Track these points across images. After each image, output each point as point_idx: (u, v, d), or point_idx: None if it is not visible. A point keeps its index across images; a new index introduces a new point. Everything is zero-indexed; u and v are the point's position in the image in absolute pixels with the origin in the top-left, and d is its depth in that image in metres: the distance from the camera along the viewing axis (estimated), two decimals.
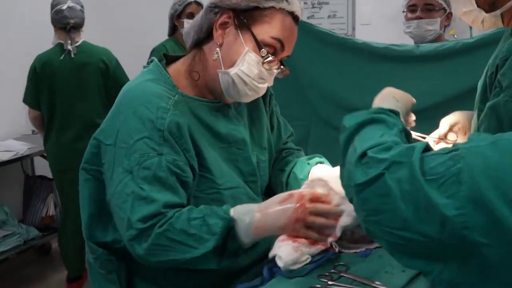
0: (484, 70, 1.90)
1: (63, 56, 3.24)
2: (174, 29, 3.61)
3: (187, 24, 3.46)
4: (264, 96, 1.50)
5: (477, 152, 0.79)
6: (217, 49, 1.32)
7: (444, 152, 0.83)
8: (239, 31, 1.31)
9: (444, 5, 2.61)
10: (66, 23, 3.23)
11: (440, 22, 2.63)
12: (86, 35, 3.39)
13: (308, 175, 1.49)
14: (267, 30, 1.30)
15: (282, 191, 1.50)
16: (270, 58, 1.30)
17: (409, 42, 3.46)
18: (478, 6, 1.29)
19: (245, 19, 1.30)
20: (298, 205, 1.26)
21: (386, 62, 2.30)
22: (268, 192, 1.53)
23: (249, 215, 1.24)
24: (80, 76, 3.26)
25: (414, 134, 1.52)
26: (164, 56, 1.42)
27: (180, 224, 1.20)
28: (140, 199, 1.20)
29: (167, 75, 1.35)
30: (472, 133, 1.39)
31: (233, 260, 1.26)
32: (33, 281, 3.66)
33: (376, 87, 2.26)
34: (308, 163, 1.53)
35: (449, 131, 1.51)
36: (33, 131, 3.95)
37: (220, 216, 1.22)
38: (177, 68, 1.40)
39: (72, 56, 3.24)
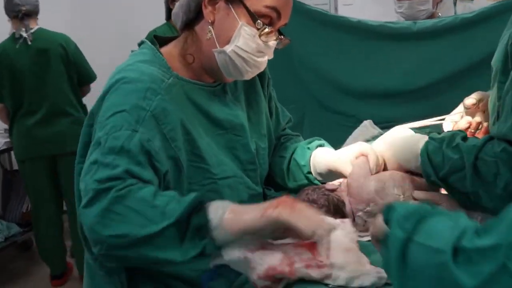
0: (493, 42, 1.85)
1: (18, 45, 3.15)
2: (170, 13, 3.50)
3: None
4: (262, 81, 1.45)
5: None
6: (209, 27, 1.25)
7: None
8: (230, 5, 1.23)
9: None
10: (18, 11, 3.12)
11: (432, 0, 2.58)
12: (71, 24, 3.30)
13: (310, 160, 1.43)
14: None
15: (283, 179, 1.46)
16: (267, 30, 1.22)
17: (392, 19, 3.44)
18: None
19: None
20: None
21: (382, 40, 2.25)
22: (269, 182, 1.48)
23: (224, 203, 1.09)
24: (41, 62, 3.18)
25: (434, 120, 1.47)
26: (155, 38, 1.35)
27: (143, 193, 1.04)
28: (103, 164, 1.07)
29: (161, 56, 1.27)
30: (491, 109, 1.32)
31: (200, 254, 1.05)
32: (17, 276, 3.60)
33: (372, 66, 2.30)
34: (308, 148, 1.47)
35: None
36: None
37: (193, 195, 1.07)
38: (169, 51, 1.31)
39: (29, 43, 3.15)
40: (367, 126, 2.04)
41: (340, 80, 2.32)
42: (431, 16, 2.60)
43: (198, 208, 1.04)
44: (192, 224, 1.03)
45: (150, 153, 1.12)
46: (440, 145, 1.21)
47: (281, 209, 1.01)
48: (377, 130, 1.99)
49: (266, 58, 1.27)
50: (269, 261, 1.01)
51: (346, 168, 1.33)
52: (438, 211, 0.83)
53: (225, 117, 1.33)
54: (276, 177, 1.50)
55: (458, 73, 2.19)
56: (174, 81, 1.24)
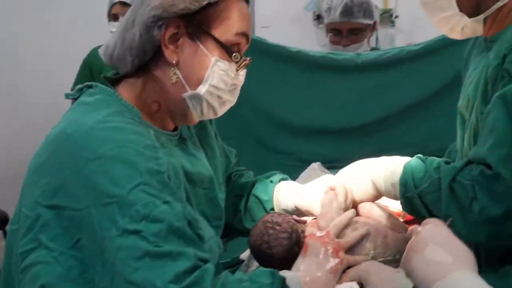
0: (438, 76, 2.10)
1: None
2: None
3: (112, 27, 3.40)
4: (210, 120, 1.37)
5: None
6: (173, 69, 1.12)
7: None
8: (196, 40, 1.12)
9: (370, 21, 2.53)
10: None
11: (368, 39, 2.58)
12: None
13: (273, 194, 1.37)
14: (229, 27, 1.12)
15: (240, 221, 1.39)
16: (243, 60, 1.14)
17: (312, 43, 3.54)
18: (460, 10, 1.29)
19: (199, 23, 1.11)
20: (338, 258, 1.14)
21: (324, 72, 2.23)
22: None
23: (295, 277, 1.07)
24: None
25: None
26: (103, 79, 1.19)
27: (232, 285, 0.98)
28: (160, 258, 0.92)
29: (130, 104, 1.12)
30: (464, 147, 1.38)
31: None
32: None
33: (313, 100, 2.21)
34: (271, 181, 1.40)
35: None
36: None
37: (268, 273, 1.02)
38: (124, 96, 1.15)
39: None
40: (315, 169, 1.99)
41: (278, 114, 2.26)
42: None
43: None
44: None
45: (192, 224, 1.01)
46: (424, 162, 1.23)
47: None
48: (326, 172, 1.94)
49: (237, 92, 1.19)
50: None
51: (314, 208, 1.27)
52: None
53: (194, 169, 1.21)
54: (232, 220, 1.40)
55: (404, 108, 2.18)
56: (154, 133, 1.10)
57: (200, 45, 1.11)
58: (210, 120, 1.36)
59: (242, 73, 1.17)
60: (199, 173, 1.22)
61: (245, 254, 1.52)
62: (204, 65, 1.11)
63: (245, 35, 1.14)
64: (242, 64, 1.14)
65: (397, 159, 1.28)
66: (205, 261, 0.97)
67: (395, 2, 3.97)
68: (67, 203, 0.98)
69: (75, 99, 1.15)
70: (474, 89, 1.32)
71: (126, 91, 1.15)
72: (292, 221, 1.23)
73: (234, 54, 1.12)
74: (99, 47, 3.75)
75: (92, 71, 3.44)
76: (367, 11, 2.50)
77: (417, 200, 1.20)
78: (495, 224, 1.13)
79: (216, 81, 1.11)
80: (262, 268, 1.08)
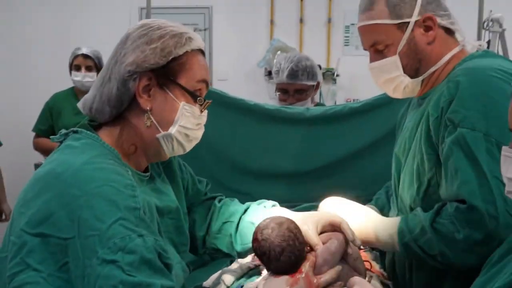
0: (376, 130, 2.15)
1: None
2: None
3: (74, 76, 3.51)
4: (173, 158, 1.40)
5: None
6: (147, 115, 1.18)
7: None
8: (166, 89, 1.19)
9: (313, 83, 2.62)
10: None
11: (311, 98, 2.66)
12: None
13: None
14: (192, 75, 1.21)
15: (229, 245, 1.43)
16: (206, 102, 1.23)
17: (263, 95, 3.73)
18: (404, 72, 1.38)
19: (167, 74, 1.18)
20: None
21: (277, 123, 2.25)
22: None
23: None
24: None
25: None
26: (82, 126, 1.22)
27: None
28: (133, 286, 0.96)
29: (112, 148, 1.18)
30: (408, 181, 1.43)
31: None
32: None
33: (267, 147, 2.25)
34: (264, 206, 1.48)
35: None
36: None
37: None
38: (105, 141, 1.19)
39: None
40: None
41: (236, 160, 2.27)
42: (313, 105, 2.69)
43: None
44: None
45: (161, 255, 1.04)
46: (416, 211, 1.33)
47: None
48: None
49: (202, 130, 1.27)
50: None
51: (314, 239, 1.28)
52: None
53: (163, 204, 1.26)
54: (221, 245, 1.44)
55: (347, 156, 2.22)
56: (131, 173, 1.15)
57: (169, 93, 1.18)
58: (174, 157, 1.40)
59: (205, 113, 1.25)
60: (168, 206, 1.27)
61: (209, 282, 1.55)
62: (174, 109, 1.18)
63: (205, 81, 1.23)
64: (205, 106, 1.23)
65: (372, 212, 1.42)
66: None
67: (337, 62, 4.11)
68: (53, 232, 1.01)
69: (61, 142, 1.19)
70: (410, 136, 1.40)
71: (106, 136, 1.20)
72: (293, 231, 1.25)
73: (198, 98, 1.20)
74: (58, 92, 3.90)
75: (52, 113, 3.53)
76: (311, 74, 2.60)
77: (413, 244, 1.28)
78: (481, 246, 1.19)
79: (184, 122, 1.18)
80: None
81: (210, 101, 1.24)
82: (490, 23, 2.71)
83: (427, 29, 1.36)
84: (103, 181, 1.05)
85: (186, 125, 1.19)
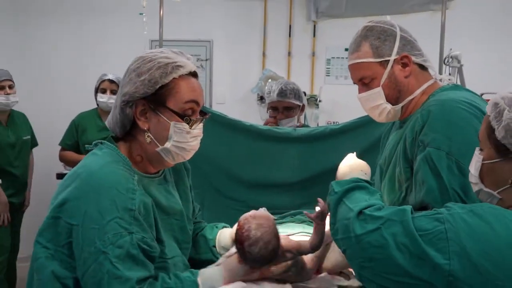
0: (354, 148, 1.92)
1: None
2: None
3: (100, 98, 3.50)
4: (187, 173, 1.47)
5: (459, 217, 0.92)
6: (147, 133, 1.24)
7: (428, 214, 0.96)
8: (158, 112, 1.23)
9: (299, 103, 2.70)
10: None
11: (297, 117, 2.73)
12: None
13: (217, 235, 1.47)
14: (180, 98, 1.23)
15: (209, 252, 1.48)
16: (193, 120, 1.24)
17: (256, 117, 3.72)
18: (387, 100, 1.44)
19: (157, 100, 1.23)
20: None
21: (269, 141, 2.29)
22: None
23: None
24: None
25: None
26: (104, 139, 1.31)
27: None
28: (115, 278, 1.09)
29: (124, 156, 1.25)
30: (387, 190, 1.48)
31: None
32: None
33: (261, 161, 2.33)
34: (216, 227, 1.51)
35: None
36: None
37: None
38: (122, 150, 1.28)
39: None
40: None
41: (234, 172, 2.31)
42: (298, 126, 2.73)
43: None
44: None
45: (145, 249, 1.14)
46: None
47: None
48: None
49: (199, 139, 1.29)
50: None
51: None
52: (365, 187, 1.13)
53: (168, 204, 1.32)
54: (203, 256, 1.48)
55: (328, 170, 2.12)
56: (137, 177, 1.23)
57: (161, 115, 1.22)
58: (189, 175, 1.48)
59: (199, 126, 1.26)
60: (173, 207, 1.33)
61: None
62: (166, 128, 1.22)
63: (194, 101, 1.24)
64: (193, 124, 1.23)
65: None
66: (145, 279, 1.13)
67: (319, 90, 4.14)
68: (64, 216, 1.14)
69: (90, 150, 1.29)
70: (390, 152, 1.48)
71: (122, 148, 1.29)
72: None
73: (185, 117, 1.22)
74: (83, 112, 3.92)
75: (78, 130, 3.54)
76: (297, 95, 2.68)
77: None
78: None
79: (177, 137, 1.23)
80: (185, 281, 1.19)
81: (197, 118, 1.26)
82: (450, 59, 2.80)
83: (404, 65, 1.42)
84: (110, 184, 1.15)
85: (179, 139, 1.23)
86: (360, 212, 1.00)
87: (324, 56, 4.30)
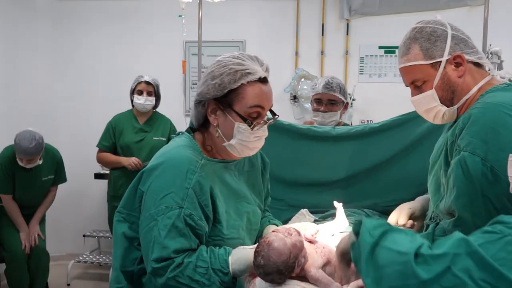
0: (392, 147, 2.15)
1: None
2: (132, 102, 3.68)
3: (137, 99, 3.58)
4: (265, 167, 1.66)
5: None
6: (216, 128, 1.40)
7: (491, 239, 0.86)
8: (225, 112, 1.37)
9: (343, 99, 2.69)
10: None
11: (340, 113, 2.71)
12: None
13: (265, 229, 1.59)
14: (245, 103, 1.36)
15: None
16: (254, 124, 1.37)
17: (289, 116, 3.80)
18: (441, 103, 1.41)
19: (226, 102, 1.37)
20: None
21: (308, 140, 2.28)
22: None
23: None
24: None
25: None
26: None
27: (188, 271, 1.27)
28: (158, 243, 1.28)
29: (196, 143, 1.44)
30: (433, 190, 1.44)
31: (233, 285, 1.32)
32: None
33: (300, 160, 2.32)
34: (269, 221, 1.65)
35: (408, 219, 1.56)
36: None
37: (221, 271, 1.28)
38: (196, 139, 1.47)
39: None
40: (303, 213, 2.05)
41: (273, 171, 2.19)
42: (338, 124, 2.72)
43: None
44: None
45: (191, 225, 1.30)
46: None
47: None
48: (312, 217, 2.01)
49: (264, 138, 1.43)
50: None
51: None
52: (398, 228, 0.98)
53: (239, 188, 1.48)
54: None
55: (366, 169, 2.24)
56: (205, 162, 1.39)
57: (228, 115, 1.38)
58: (266, 169, 1.67)
59: (263, 128, 1.40)
60: (243, 191, 1.49)
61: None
62: (231, 127, 1.38)
63: (258, 106, 1.37)
64: (254, 126, 1.37)
65: None
66: (184, 251, 1.28)
67: (353, 89, 4.14)
68: (139, 185, 1.38)
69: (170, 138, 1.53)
70: (436, 151, 1.46)
71: (197, 136, 1.48)
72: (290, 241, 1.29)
73: (247, 120, 1.36)
74: (119, 114, 4.06)
75: (115, 132, 3.63)
76: (342, 90, 2.68)
77: None
78: None
79: (240, 136, 1.37)
80: (218, 260, 1.30)
81: (259, 122, 1.38)
82: (490, 55, 2.76)
83: (457, 65, 1.39)
84: (174, 163, 1.34)
85: (243, 138, 1.38)
86: (417, 254, 0.87)
87: (357, 54, 4.29)
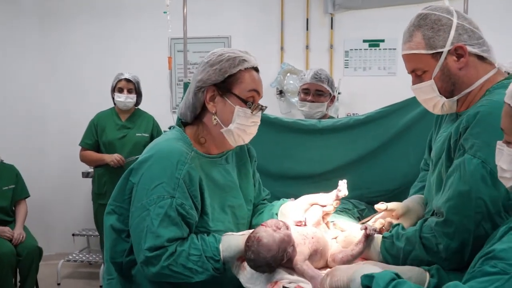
0: (377, 138, 2.18)
1: None
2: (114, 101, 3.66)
3: (117, 97, 3.53)
4: (251, 161, 1.66)
5: None
6: (214, 116, 1.44)
7: (501, 283, 0.89)
8: (224, 97, 1.42)
9: (330, 91, 2.71)
10: None
11: (326, 105, 2.73)
12: None
13: (281, 206, 1.61)
14: (244, 87, 1.42)
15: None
16: (254, 105, 1.43)
17: (275, 111, 3.74)
18: (440, 94, 1.38)
19: (225, 87, 1.42)
20: None
21: (294, 133, 2.30)
22: None
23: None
24: None
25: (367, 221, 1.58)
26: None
27: (181, 260, 1.31)
28: (151, 233, 1.30)
29: (187, 136, 1.47)
30: (435, 187, 1.42)
31: (225, 272, 1.37)
32: None
33: (287, 154, 2.33)
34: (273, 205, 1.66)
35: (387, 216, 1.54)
36: None
37: (213, 259, 1.33)
38: (188, 132, 1.49)
39: None
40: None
41: (260, 164, 2.23)
42: (324, 116, 2.73)
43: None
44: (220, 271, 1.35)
45: (182, 214, 1.33)
46: (391, 240, 1.35)
47: None
48: None
49: (257, 126, 1.48)
50: None
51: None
52: (406, 281, 1.00)
53: (225, 182, 1.50)
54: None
55: (353, 161, 2.26)
56: (194, 155, 1.43)
57: (227, 100, 1.42)
58: (254, 163, 1.67)
59: (258, 114, 1.45)
60: (229, 185, 1.50)
61: None
62: (231, 111, 1.42)
63: (255, 90, 1.44)
64: (254, 109, 1.43)
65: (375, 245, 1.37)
66: (176, 240, 1.31)
67: (338, 82, 4.13)
68: (131, 176, 1.40)
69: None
70: (440, 146, 1.41)
71: (189, 130, 1.51)
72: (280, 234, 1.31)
73: (248, 103, 1.42)
74: (101, 112, 4.04)
75: (97, 130, 3.61)
76: (330, 82, 2.71)
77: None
78: (458, 254, 1.23)
79: (239, 120, 1.42)
80: (210, 248, 1.33)
81: (258, 105, 1.44)
82: None
83: (459, 56, 1.33)
84: (165, 155, 1.37)
85: (242, 122, 1.42)
86: None
87: (342, 48, 4.30)
